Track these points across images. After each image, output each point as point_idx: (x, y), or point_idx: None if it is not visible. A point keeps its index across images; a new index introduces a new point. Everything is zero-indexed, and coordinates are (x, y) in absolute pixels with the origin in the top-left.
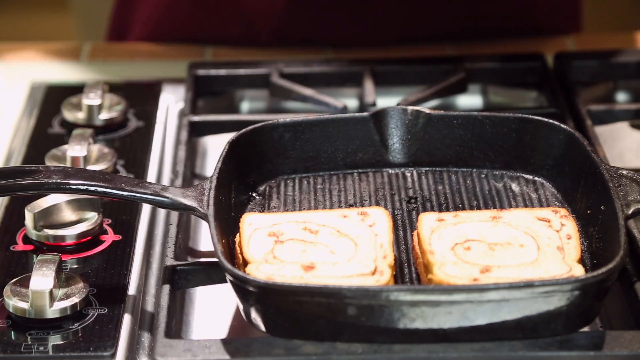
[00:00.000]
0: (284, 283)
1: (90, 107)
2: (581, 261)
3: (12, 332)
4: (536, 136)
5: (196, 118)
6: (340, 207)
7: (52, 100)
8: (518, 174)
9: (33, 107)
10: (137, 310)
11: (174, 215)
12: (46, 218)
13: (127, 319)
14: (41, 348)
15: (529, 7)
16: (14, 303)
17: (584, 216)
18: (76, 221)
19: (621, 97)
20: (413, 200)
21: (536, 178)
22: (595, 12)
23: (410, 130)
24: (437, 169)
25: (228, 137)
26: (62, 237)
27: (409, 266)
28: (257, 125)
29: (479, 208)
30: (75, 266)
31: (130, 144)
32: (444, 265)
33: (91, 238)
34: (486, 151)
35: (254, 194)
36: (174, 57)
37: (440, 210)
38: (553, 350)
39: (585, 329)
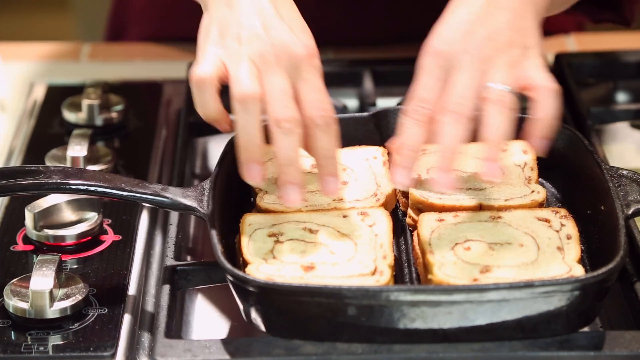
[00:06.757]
0: (284, 283)
1: (90, 107)
2: (581, 261)
3: (12, 332)
4: None
5: (196, 118)
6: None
7: (52, 100)
8: None
9: (33, 107)
10: (137, 310)
11: (174, 215)
12: (46, 218)
13: (127, 319)
14: (41, 348)
15: None
16: (14, 303)
17: (584, 216)
18: (76, 221)
19: (621, 97)
20: None
21: None
22: None
23: None
24: None
25: (228, 137)
26: (62, 237)
27: (409, 266)
28: None
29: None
30: (75, 266)
31: (130, 144)
32: (444, 266)
33: (91, 238)
34: None
35: (253, 194)
36: (174, 57)
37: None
38: (553, 350)
39: (585, 329)
